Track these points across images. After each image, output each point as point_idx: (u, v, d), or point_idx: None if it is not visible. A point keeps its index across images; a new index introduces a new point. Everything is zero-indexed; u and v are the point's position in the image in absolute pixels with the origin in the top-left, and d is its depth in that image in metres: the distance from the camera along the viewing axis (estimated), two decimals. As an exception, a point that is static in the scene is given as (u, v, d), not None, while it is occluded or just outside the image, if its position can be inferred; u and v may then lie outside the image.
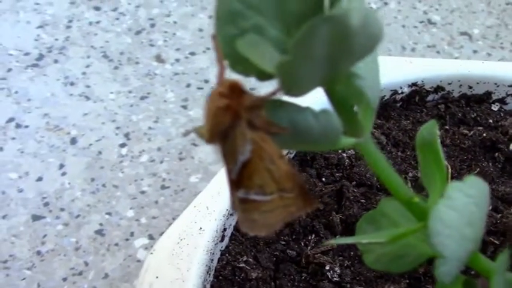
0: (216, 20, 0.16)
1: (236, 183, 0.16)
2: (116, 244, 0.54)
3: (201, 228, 0.27)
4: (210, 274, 0.28)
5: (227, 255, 0.29)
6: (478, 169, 0.33)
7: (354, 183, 0.32)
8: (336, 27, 0.13)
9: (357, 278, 0.29)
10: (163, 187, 0.58)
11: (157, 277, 0.26)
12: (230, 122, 0.15)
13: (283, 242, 0.30)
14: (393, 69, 0.34)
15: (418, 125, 0.35)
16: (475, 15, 0.73)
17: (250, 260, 0.29)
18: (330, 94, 0.18)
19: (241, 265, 0.29)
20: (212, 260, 0.28)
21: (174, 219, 0.56)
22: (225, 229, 0.29)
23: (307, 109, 0.16)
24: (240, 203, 0.16)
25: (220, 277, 0.29)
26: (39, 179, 0.58)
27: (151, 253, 0.27)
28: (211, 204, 0.28)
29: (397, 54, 0.68)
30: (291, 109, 0.16)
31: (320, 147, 0.20)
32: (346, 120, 0.18)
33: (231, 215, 0.29)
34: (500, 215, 0.30)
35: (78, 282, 0.52)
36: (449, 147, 0.34)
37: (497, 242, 0.29)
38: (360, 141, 0.19)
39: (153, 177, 0.59)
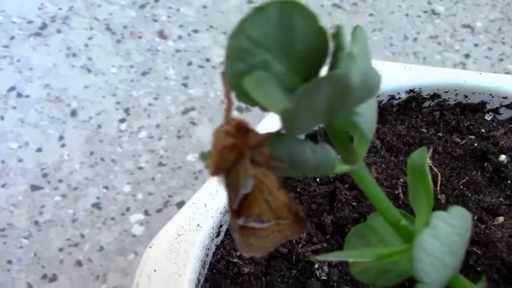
0: (226, 57, 0.17)
1: (236, 212, 0.17)
2: (112, 218, 0.55)
3: (198, 225, 0.29)
4: (204, 268, 0.29)
5: (222, 249, 0.31)
6: (467, 178, 0.34)
7: (347, 186, 0.33)
8: (337, 85, 0.14)
9: (344, 278, 0.31)
10: (160, 164, 0.59)
11: (155, 270, 0.27)
12: (235, 160, 0.16)
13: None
14: (392, 75, 0.35)
15: (412, 131, 0.36)
16: (478, 8, 0.73)
17: (244, 255, 0.30)
18: (328, 125, 0.19)
19: (234, 260, 0.30)
20: (207, 254, 0.30)
21: (170, 196, 0.58)
22: (221, 225, 0.30)
23: (305, 143, 0.17)
24: (239, 229, 0.18)
25: (214, 270, 0.30)
26: (39, 149, 0.59)
27: (150, 247, 0.28)
28: (209, 202, 0.30)
29: (399, 43, 0.68)
30: (290, 143, 0.17)
31: (315, 174, 0.21)
32: (341, 148, 0.19)
33: (228, 212, 0.30)
34: (484, 225, 0.32)
35: (74, 253, 0.53)
36: (441, 154, 0.35)
37: (479, 252, 0.31)
38: (354, 168, 0.20)
39: (151, 154, 0.60)
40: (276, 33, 0.17)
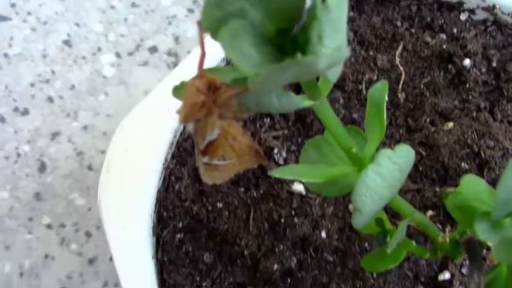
0: (204, 5, 0.17)
1: (202, 152, 0.19)
2: (83, 57, 0.56)
3: (168, 110, 0.30)
4: (172, 148, 0.32)
5: (189, 129, 0.33)
6: (429, 78, 0.36)
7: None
8: (304, 69, 0.15)
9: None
10: (133, 5, 0.58)
11: (126, 150, 0.29)
12: (204, 115, 0.17)
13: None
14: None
15: (387, 24, 0.36)
16: None
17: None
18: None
19: (200, 140, 0.32)
20: (175, 136, 0.32)
21: (142, 40, 0.58)
22: (189, 108, 0.32)
23: (272, 93, 0.18)
24: (204, 164, 0.19)
25: (181, 148, 0.33)
26: (5, -24, 0.56)
27: (122, 127, 0.30)
28: (179, 87, 0.31)
29: None
30: (257, 95, 0.18)
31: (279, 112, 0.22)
32: (306, 85, 0.21)
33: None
34: (434, 128, 0.34)
35: (45, 89, 0.54)
36: (409, 52, 0.36)
37: (424, 153, 0.34)
38: (316, 103, 0.21)
39: (124, -7, 0.58)
40: (256, -16, 0.17)
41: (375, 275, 0.31)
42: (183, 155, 0.32)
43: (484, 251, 0.24)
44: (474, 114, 0.35)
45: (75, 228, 0.51)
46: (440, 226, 0.31)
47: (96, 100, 0.55)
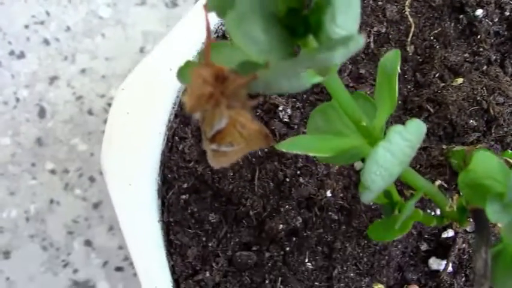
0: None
1: (210, 139, 0.18)
2: (78, -4, 0.53)
3: (170, 69, 0.29)
4: (174, 108, 0.31)
5: (191, 87, 0.32)
6: (440, 29, 0.34)
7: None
8: (319, 64, 0.14)
9: (305, 120, 0.33)
10: None
11: (128, 113, 0.29)
12: (211, 107, 0.16)
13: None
14: None
15: (397, -29, 0.34)
16: None
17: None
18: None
19: (203, 98, 0.32)
20: (178, 96, 0.31)
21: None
22: (192, 67, 0.31)
23: (282, 77, 0.18)
24: (211, 151, 0.19)
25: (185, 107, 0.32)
26: None
27: (123, 89, 0.29)
28: (181, 46, 0.29)
29: None
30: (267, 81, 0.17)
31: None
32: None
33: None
34: (443, 84, 0.33)
35: (40, 31, 0.53)
36: (420, 2, 0.34)
37: (432, 110, 0.33)
38: (325, 79, 0.20)
39: None
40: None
41: (379, 233, 0.31)
42: (186, 113, 0.32)
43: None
44: (484, 68, 0.34)
45: (79, 174, 0.51)
46: (445, 185, 0.31)
47: (93, 42, 0.53)
